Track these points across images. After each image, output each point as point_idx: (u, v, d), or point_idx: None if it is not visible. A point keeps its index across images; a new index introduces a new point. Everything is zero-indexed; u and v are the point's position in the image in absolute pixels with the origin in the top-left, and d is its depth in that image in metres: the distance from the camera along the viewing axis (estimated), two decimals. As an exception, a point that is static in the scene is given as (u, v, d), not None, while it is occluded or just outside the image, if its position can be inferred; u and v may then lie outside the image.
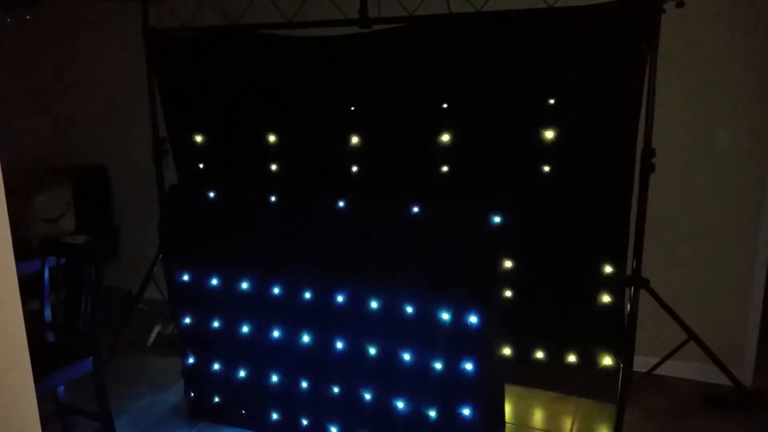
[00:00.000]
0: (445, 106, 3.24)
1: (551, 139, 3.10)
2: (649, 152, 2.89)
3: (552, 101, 3.07)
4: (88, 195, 4.46)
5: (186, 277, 2.97)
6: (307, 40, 3.44)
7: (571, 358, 3.33)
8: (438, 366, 2.53)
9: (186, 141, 3.92)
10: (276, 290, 2.78)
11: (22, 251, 2.94)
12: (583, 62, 2.97)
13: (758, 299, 3.25)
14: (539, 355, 3.38)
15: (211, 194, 2.95)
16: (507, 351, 3.39)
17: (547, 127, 3.09)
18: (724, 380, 3.17)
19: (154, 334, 4.03)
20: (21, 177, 3.30)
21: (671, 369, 3.33)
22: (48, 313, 2.84)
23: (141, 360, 3.82)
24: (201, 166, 3.92)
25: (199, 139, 3.88)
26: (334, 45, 3.38)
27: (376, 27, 3.25)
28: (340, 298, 2.66)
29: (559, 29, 2.98)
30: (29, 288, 2.88)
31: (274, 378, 2.88)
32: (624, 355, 2.99)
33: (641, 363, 3.28)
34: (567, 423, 3.04)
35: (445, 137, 3.27)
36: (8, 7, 3.17)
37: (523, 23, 3.04)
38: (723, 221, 3.26)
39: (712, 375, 3.26)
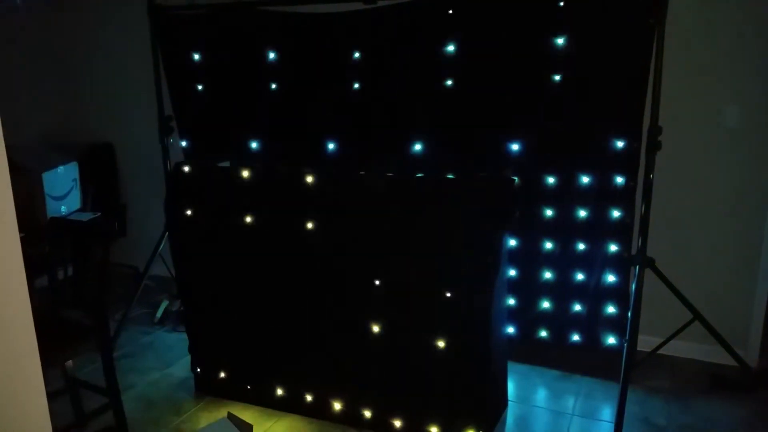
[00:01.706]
0: (449, 83, 3.21)
1: (556, 116, 3.08)
2: (655, 130, 2.86)
3: (557, 77, 3.04)
4: (95, 172, 4.47)
5: (191, 255, 2.99)
6: (311, 16, 3.41)
7: (575, 337, 3.34)
8: (441, 344, 2.55)
9: (191, 118, 3.92)
10: (283, 265, 2.78)
11: (29, 228, 2.97)
12: (589, 38, 2.94)
13: (764, 279, 3.23)
14: (543, 333, 3.40)
15: (217, 171, 2.96)
16: (510, 329, 3.40)
17: (551, 103, 3.07)
18: (729, 361, 3.16)
19: (161, 310, 4.07)
20: (28, 154, 3.30)
21: (676, 349, 3.33)
22: (56, 289, 2.87)
23: (148, 336, 3.87)
24: (206, 143, 3.92)
25: (204, 116, 3.87)
26: (338, 21, 3.35)
27: (381, 3, 3.21)
28: (346, 272, 2.67)
29: (566, 4, 2.93)
30: (37, 264, 2.92)
31: (280, 354, 2.91)
32: (628, 334, 2.99)
33: (645, 342, 3.28)
34: (570, 401, 3.06)
35: (450, 115, 3.26)
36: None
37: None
38: (730, 200, 3.23)
39: (717, 355, 3.25)
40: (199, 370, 3.16)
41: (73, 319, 2.92)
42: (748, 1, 3.03)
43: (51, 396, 2.77)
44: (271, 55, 3.58)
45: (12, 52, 4.59)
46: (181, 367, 3.42)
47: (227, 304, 2.97)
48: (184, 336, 3.22)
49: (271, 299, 2.85)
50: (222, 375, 3.10)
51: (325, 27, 3.41)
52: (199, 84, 3.83)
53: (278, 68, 3.59)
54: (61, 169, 3.32)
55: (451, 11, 3.12)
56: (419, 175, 3.08)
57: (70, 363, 2.80)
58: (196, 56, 3.77)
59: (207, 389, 3.16)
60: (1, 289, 1.06)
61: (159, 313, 4.06)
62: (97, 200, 4.40)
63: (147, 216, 4.71)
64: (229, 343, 3.02)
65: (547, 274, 3.30)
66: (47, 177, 3.19)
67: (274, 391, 2.97)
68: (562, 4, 2.93)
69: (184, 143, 4.00)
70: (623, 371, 2.89)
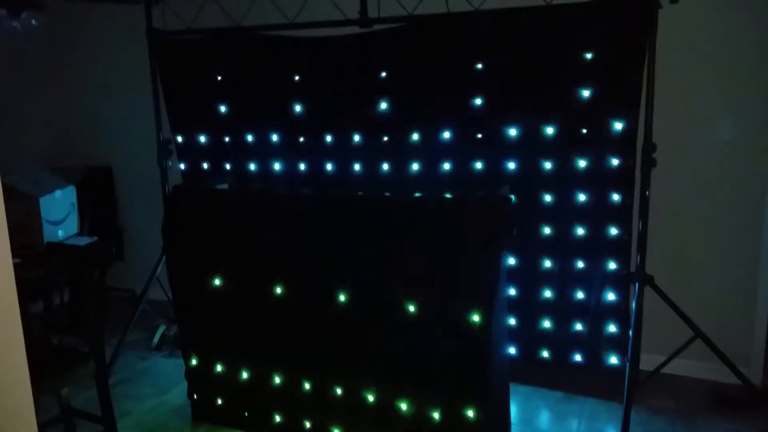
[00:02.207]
0: (444, 103, 3.23)
1: (551, 134, 3.09)
2: (649, 147, 2.87)
3: (551, 96, 3.05)
4: (94, 196, 4.47)
5: (188, 279, 2.97)
6: (308, 40, 3.44)
7: (577, 357, 3.31)
8: (441, 364, 2.52)
9: (190, 141, 3.93)
10: (279, 291, 2.77)
11: (26, 252, 2.95)
12: (581, 57, 2.96)
13: (765, 295, 3.21)
14: (544, 354, 3.36)
15: (215, 194, 2.95)
16: (512, 350, 3.37)
17: (546, 121, 3.08)
18: (732, 379, 3.13)
19: (158, 335, 4.03)
20: (26, 178, 3.30)
21: (678, 367, 3.30)
22: (51, 315, 2.85)
23: (145, 361, 3.83)
24: (205, 166, 3.93)
25: (203, 139, 3.89)
26: (335, 44, 3.38)
27: (376, 27, 3.25)
28: (341, 297, 2.65)
29: (556, 24, 2.96)
30: (33, 289, 2.91)
31: (277, 380, 2.87)
32: (630, 353, 2.97)
33: (648, 361, 3.25)
34: (574, 424, 3.02)
35: (446, 134, 3.27)
36: (14, 12, 3.19)
37: (521, 20, 3.02)
38: (728, 216, 3.23)
39: (720, 373, 3.22)
40: (195, 396, 3.12)
41: (68, 344, 2.90)
42: (739, 16, 3.06)
43: (46, 424, 2.73)
44: (268, 78, 3.60)
45: (10, 76, 4.62)
46: (178, 393, 3.38)
47: (225, 329, 2.94)
48: (181, 361, 3.18)
49: (269, 324, 2.82)
50: (219, 402, 3.05)
51: (319, 50, 3.43)
52: (198, 106, 3.84)
53: (275, 90, 3.61)
54: (58, 193, 3.32)
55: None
56: (417, 194, 3.09)
57: (65, 390, 2.77)
58: (194, 79, 3.79)
59: (204, 416, 3.12)
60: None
61: (156, 338, 4.02)
62: (95, 224, 4.39)
63: (145, 239, 4.71)
64: (226, 370, 2.98)
65: (547, 293, 3.28)
66: (44, 201, 3.19)
67: (272, 418, 2.93)
68: (554, 25, 2.96)
69: (182, 166, 4.01)
70: (626, 391, 2.86)
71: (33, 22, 3.21)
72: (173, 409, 3.24)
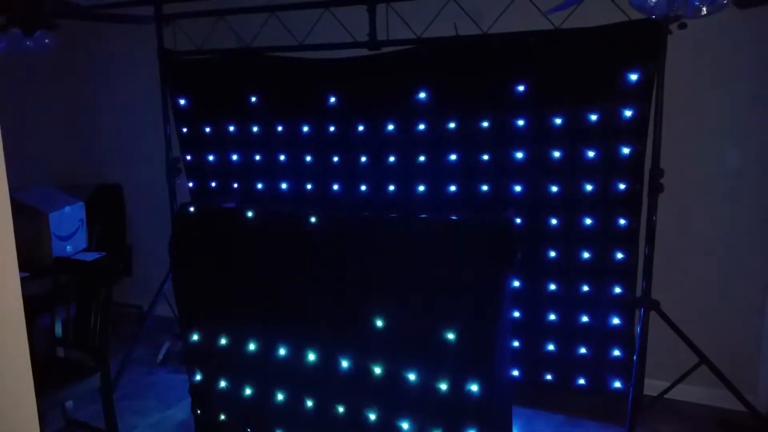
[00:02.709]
0: (452, 125, 3.26)
1: (558, 159, 3.11)
2: (657, 172, 2.88)
3: (559, 121, 3.08)
4: (103, 212, 4.52)
5: (194, 296, 3.00)
6: (317, 62, 3.50)
7: (581, 381, 3.29)
8: (443, 386, 2.52)
9: (198, 160, 3.98)
10: (286, 308, 2.78)
11: (34, 267, 3.00)
12: (589, 82, 2.98)
13: (772, 322, 3.20)
14: (548, 377, 3.35)
15: (222, 212, 2.99)
16: (516, 372, 3.36)
17: (554, 146, 3.10)
18: (737, 406, 3.10)
19: (163, 351, 4.05)
20: (36, 193, 3.36)
21: (683, 393, 3.27)
22: (58, 329, 2.88)
23: (150, 376, 3.85)
24: (213, 184, 3.98)
25: (211, 158, 3.94)
26: (344, 67, 3.43)
27: (384, 49, 3.30)
28: (346, 316, 2.67)
29: (565, 50, 2.99)
30: (41, 303, 2.94)
31: (280, 397, 2.88)
32: (633, 378, 2.95)
33: (652, 387, 3.23)
34: (576, 447, 3.00)
35: (453, 156, 3.29)
36: (28, 30, 3.27)
37: (529, 44, 3.06)
38: (735, 241, 3.22)
39: (725, 400, 3.19)
40: (199, 411, 3.13)
41: (74, 358, 2.92)
42: (747, 43, 3.08)
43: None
44: (277, 99, 3.65)
45: (22, 94, 4.71)
46: (182, 408, 3.39)
47: (229, 346, 2.95)
48: (186, 377, 3.20)
49: (273, 341, 2.84)
50: (222, 417, 3.06)
51: (328, 72, 3.49)
52: (207, 126, 3.90)
53: (285, 112, 3.66)
54: (68, 209, 3.36)
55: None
56: (423, 216, 3.10)
57: (70, 404, 2.78)
58: (204, 99, 3.85)
59: (207, 431, 3.12)
60: (-2, 328, 1.07)
61: (161, 354, 4.04)
62: (104, 240, 4.44)
63: (153, 256, 4.74)
64: (229, 385, 2.99)
65: (551, 316, 3.27)
66: (54, 217, 3.23)
67: (275, 434, 2.93)
68: (562, 49, 2.99)
69: (191, 184, 4.06)
70: (629, 416, 2.84)
71: (46, 41, 3.28)
72: (177, 424, 3.25)
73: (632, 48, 2.88)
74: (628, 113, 2.93)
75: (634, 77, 2.88)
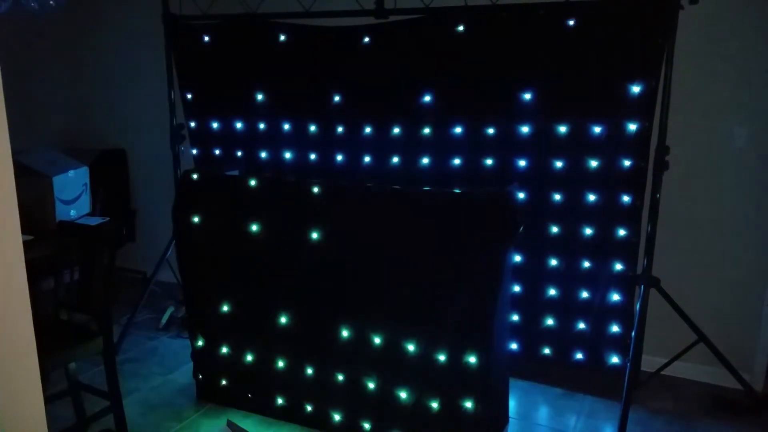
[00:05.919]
0: (458, 100, 3.23)
1: (563, 134, 3.09)
2: (662, 149, 2.86)
3: (565, 93, 3.05)
4: (107, 177, 4.52)
5: (197, 262, 3.01)
6: (323, 29, 3.45)
7: (579, 356, 3.32)
8: (442, 357, 2.55)
9: (203, 127, 3.97)
10: (288, 276, 2.80)
11: (38, 230, 3.01)
12: (598, 57, 2.95)
13: (772, 303, 3.21)
14: (546, 351, 3.38)
15: (225, 180, 2.99)
16: (514, 346, 3.39)
17: (559, 121, 3.08)
18: (734, 384, 3.13)
19: (166, 316, 4.10)
20: (39, 157, 3.35)
21: (680, 370, 3.31)
22: (61, 292, 2.90)
23: (153, 341, 3.89)
24: (217, 152, 3.97)
25: (215, 125, 3.92)
26: (350, 34, 3.39)
27: (392, 18, 3.25)
28: (347, 285, 2.68)
29: (575, 23, 2.95)
30: (44, 266, 2.96)
31: (281, 363, 2.91)
32: (631, 354, 2.97)
33: (649, 363, 3.26)
34: (572, 420, 3.04)
35: (458, 129, 3.28)
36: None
37: (539, 16, 3.01)
38: (737, 221, 3.21)
39: (721, 378, 3.22)
40: (201, 376, 3.17)
41: (78, 321, 2.95)
42: (757, 21, 3.03)
43: (53, 398, 2.79)
44: (282, 66, 3.62)
45: (27, 57, 4.68)
46: (184, 373, 3.43)
47: (231, 313, 2.98)
48: (188, 342, 3.23)
49: (274, 308, 2.86)
50: (223, 382, 3.10)
51: (332, 39, 3.45)
52: (211, 92, 3.88)
53: (288, 78, 3.63)
54: (72, 173, 3.36)
55: (461, 27, 3.14)
56: (426, 188, 3.10)
57: (73, 365, 2.83)
58: (209, 65, 3.82)
59: (208, 396, 3.17)
60: (1, 291, 1.08)
61: (164, 319, 4.08)
62: (108, 205, 4.45)
63: (157, 222, 4.77)
64: (231, 351, 3.03)
65: (552, 291, 3.29)
66: (58, 181, 3.23)
67: (275, 400, 2.98)
68: (572, 23, 2.95)
69: (195, 151, 4.05)
70: (625, 391, 2.87)
71: (51, 2, 3.23)
72: (179, 388, 3.30)
73: (643, 23, 2.84)
74: (635, 89, 2.90)
75: (644, 53, 2.84)
